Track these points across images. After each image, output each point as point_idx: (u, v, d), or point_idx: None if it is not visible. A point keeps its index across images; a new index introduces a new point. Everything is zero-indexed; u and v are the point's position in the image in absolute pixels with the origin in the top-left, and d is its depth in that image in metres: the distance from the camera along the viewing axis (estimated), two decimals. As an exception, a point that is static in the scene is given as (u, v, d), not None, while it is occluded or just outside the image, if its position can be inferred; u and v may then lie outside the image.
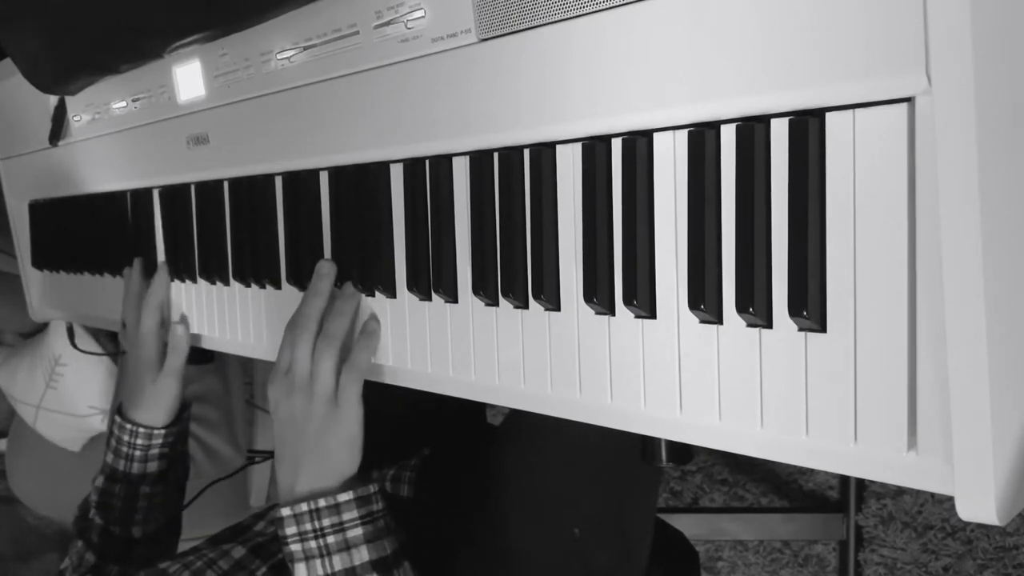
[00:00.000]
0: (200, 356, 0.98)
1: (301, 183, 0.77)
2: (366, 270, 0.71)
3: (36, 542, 1.94)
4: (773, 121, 0.47)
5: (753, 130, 0.47)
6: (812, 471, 1.43)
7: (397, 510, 0.70)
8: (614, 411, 0.56)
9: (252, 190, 0.82)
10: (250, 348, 0.86)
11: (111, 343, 1.38)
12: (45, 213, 1.21)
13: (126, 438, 0.89)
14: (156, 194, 0.97)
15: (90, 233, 1.09)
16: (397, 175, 0.69)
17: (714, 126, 0.50)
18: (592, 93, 0.54)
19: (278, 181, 0.80)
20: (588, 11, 0.53)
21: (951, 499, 0.41)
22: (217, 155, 0.85)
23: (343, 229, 0.74)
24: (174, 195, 0.93)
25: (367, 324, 0.71)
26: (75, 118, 1.05)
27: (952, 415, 0.40)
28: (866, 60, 0.42)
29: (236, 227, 0.86)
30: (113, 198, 1.03)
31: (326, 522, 0.65)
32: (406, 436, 0.95)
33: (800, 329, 0.47)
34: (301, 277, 0.78)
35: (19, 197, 1.26)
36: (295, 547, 0.65)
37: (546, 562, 0.72)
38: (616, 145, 0.54)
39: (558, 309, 0.58)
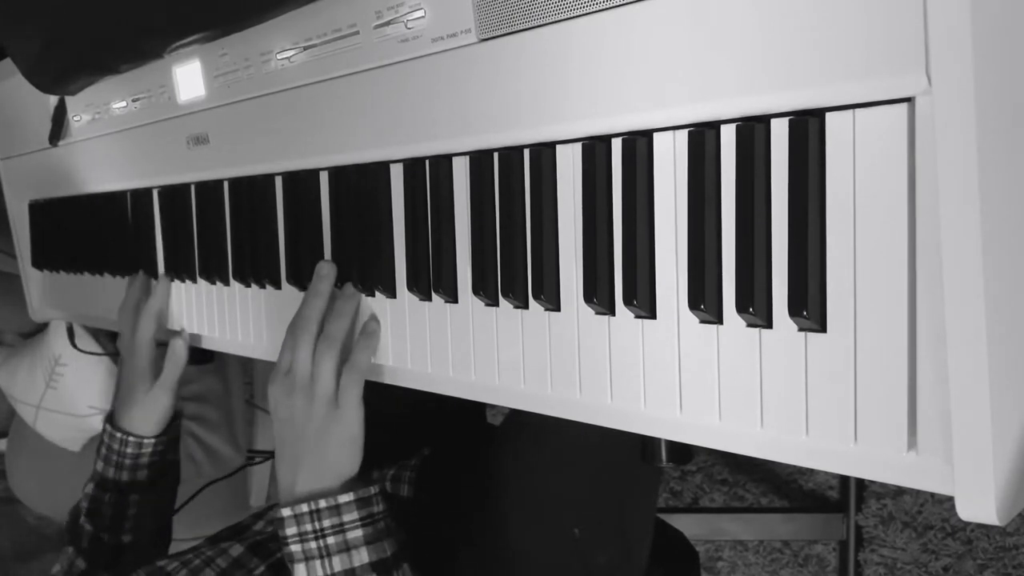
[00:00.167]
0: (200, 356, 0.98)
1: (301, 183, 0.77)
2: (366, 270, 0.71)
3: (36, 542, 1.94)
4: (773, 121, 0.47)
5: (753, 130, 0.47)
6: (812, 471, 1.43)
7: (397, 510, 0.71)
8: (614, 411, 0.56)
9: (252, 190, 0.82)
10: (250, 348, 0.86)
11: (111, 343, 1.38)
12: (45, 213, 1.21)
13: (116, 446, 0.89)
14: (156, 194, 0.97)
15: (90, 233, 1.09)
16: (397, 175, 0.69)
17: (714, 126, 0.50)
18: (592, 93, 0.54)
19: (278, 181, 0.80)
20: (588, 11, 0.53)
21: (951, 499, 0.41)
22: (217, 155, 0.85)
23: (343, 229, 0.74)
24: (174, 195, 0.93)
25: (367, 324, 0.71)
26: (75, 118, 1.05)
27: (952, 415, 0.40)
28: (866, 60, 0.42)
29: (236, 227, 0.86)
30: (113, 198, 1.03)
31: (326, 523, 0.65)
32: (406, 436, 0.95)
33: (800, 329, 0.47)
34: (301, 277, 0.78)
35: (19, 197, 1.26)
36: (295, 548, 0.65)
37: (546, 562, 0.72)
38: (616, 145, 0.54)
39: (558, 309, 0.58)
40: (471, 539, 0.76)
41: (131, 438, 0.88)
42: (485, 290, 0.62)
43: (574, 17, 0.54)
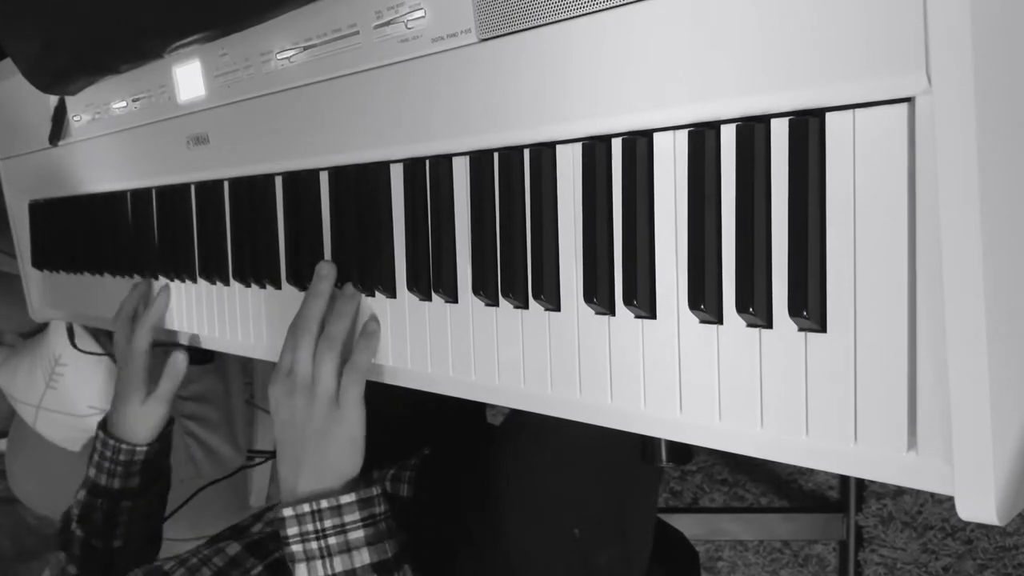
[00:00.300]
0: (200, 356, 0.98)
1: (301, 183, 0.77)
2: (366, 270, 0.71)
3: (36, 542, 1.94)
4: (773, 121, 0.47)
5: (753, 130, 0.47)
6: (812, 471, 1.43)
7: (397, 510, 0.70)
8: (614, 411, 0.56)
9: (252, 190, 0.82)
10: (250, 348, 0.86)
11: (111, 343, 1.38)
12: (45, 213, 1.21)
13: (108, 454, 0.89)
14: (156, 194, 0.97)
15: (90, 233, 1.09)
16: (397, 175, 0.69)
17: (714, 126, 0.50)
18: (592, 93, 0.54)
19: (278, 181, 0.80)
20: (588, 11, 0.53)
21: (951, 499, 0.41)
22: (217, 155, 0.85)
23: (343, 229, 0.74)
24: (174, 195, 0.93)
25: (367, 325, 0.71)
26: (75, 118, 1.05)
27: (952, 415, 0.40)
28: (866, 60, 0.42)
29: (236, 227, 0.86)
30: (113, 198, 1.03)
31: (328, 523, 0.65)
32: (406, 436, 0.95)
33: (800, 329, 0.47)
34: (301, 277, 0.78)
35: (19, 197, 1.26)
36: (296, 547, 0.65)
37: (546, 562, 0.72)
38: (616, 145, 0.54)
39: (558, 309, 0.58)
40: (471, 539, 0.76)
41: (124, 446, 0.89)
42: (485, 290, 0.62)
43: (574, 17, 0.54)
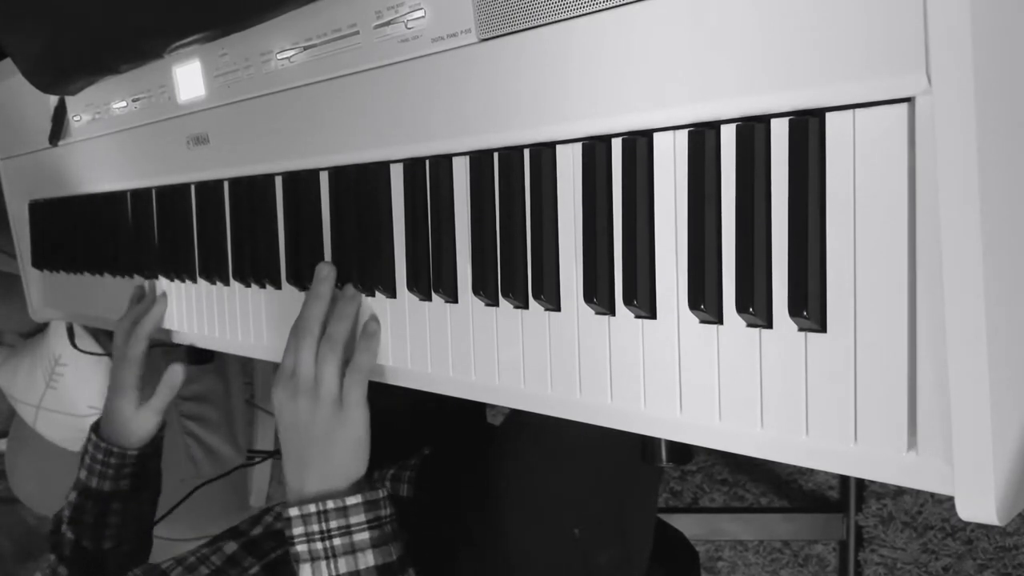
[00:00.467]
0: (200, 356, 0.98)
1: (301, 183, 0.77)
2: (366, 270, 0.71)
3: (36, 542, 1.94)
4: (773, 121, 0.47)
5: (753, 130, 0.47)
6: (812, 471, 1.43)
7: (397, 510, 0.70)
8: (614, 411, 0.56)
9: (252, 190, 0.82)
10: (250, 348, 0.86)
11: (111, 343, 1.38)
12: (45, 213, 1.21)
13: (100, 456, 0.89)
14: (156, 194, 0.97)
15: (90, 233, 1.09)
16: (397, 175, 0.69)
17: (714, 126, 0.50)
18: (592, 93, 0.54)
19: (278, 181, 0.80)
20: (588, 11, 0.53)
21: (951, 499, 0.41)
22: (217, 155, 0.85)
23: (343, 229, 0.74)
24: (174, 195, 0.93)
25: (367, 325, 0.71)
26: (75, 118, 1.05)
27: (952, 415, 0.40)
28: (866, 60, 0.42)
29: (236, 227, 0.86)
30: (113, 198, 1.03)
31: (333, 524, 0.65)
32: (406, 436, 0.95)
33: (800, 329, 0.47)
34: (301, 277, 0.78)
35: (19, 197, 1.26)
36: (301, 548, 0.65)
37: (546, 562, 0.72)
38: (616, 145, 0.54)
39: (558, 309, 0.58)
40: (471, 539, 0.76)
41: (115, 448, 0.89)
42: (485, 290, 0.62)
43: (574, 17, 0.54)
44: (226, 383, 1.58)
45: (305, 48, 0.72)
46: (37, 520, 1.92)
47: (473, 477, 0.79)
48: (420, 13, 0.62)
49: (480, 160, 0.62)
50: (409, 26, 0.63)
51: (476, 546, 0.75)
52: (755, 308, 0.48)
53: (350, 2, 0.67)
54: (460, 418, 1.02)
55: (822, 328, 0.46)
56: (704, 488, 1.53)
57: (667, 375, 0.53)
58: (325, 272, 0.73)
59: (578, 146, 0.56)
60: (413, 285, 0.67)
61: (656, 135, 0.52)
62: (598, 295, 0.55)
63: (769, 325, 0.48)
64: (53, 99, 1.07)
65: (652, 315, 0.53)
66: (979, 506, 0.40)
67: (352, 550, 0.64)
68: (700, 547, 1.52)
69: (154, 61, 0.86)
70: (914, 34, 0.40)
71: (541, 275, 0.58)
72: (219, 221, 0.87)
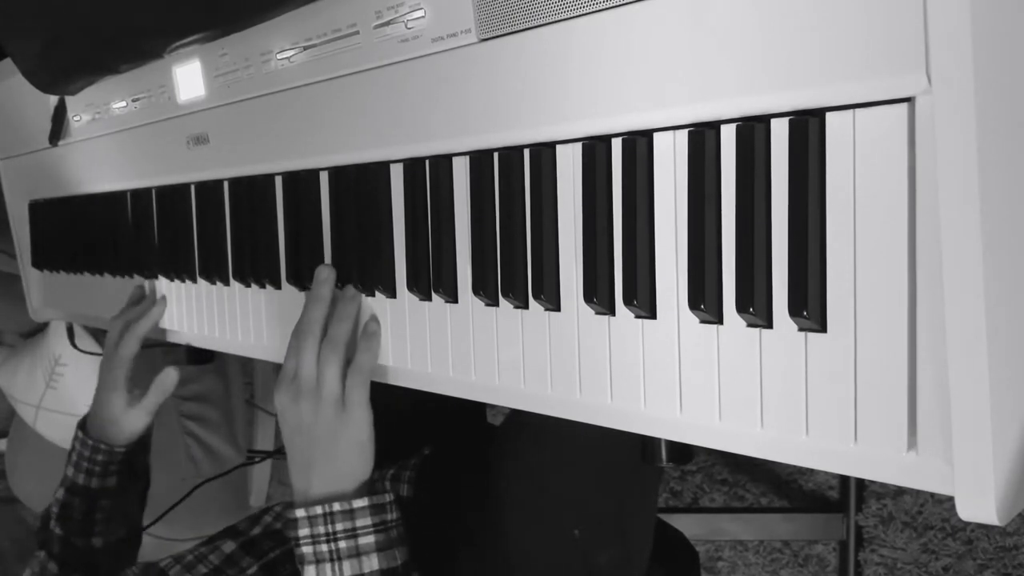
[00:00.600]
0: (200, 356, 0.98)
1: (301, 183, 0.77)
2: (366, 270, 0.71)
3: (36, 542, 1.94)
4: (773, 121, 0.47)
5: (753, 130, 0.47)
6: (812, 471, 1.43)
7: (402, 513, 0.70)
8: (614, 411, 0.56)
9: (252, 190, 0.82)
10: (250, 348, 0.86)
11: (111, 343, 1.38)
12: (45, 213, 1.21)
13: (87, 453, 0.89)
14: (156, 194, 0.97)
15: (90, 233, 1.09)
16: (397, 175, 0.69)
17: (714, 126, 0.50)
18: (592, 93, 0.54)
19: (278, 181, 0.80)
20: (588, 11, 0.53)
21: (951, 499, 0.41)
22: (217, 155, 0.85)
23: (343, 229, 0.74)
24: (174, 195, 0.93)
25: (367, 325, 0.71)
26: (75, 118, 1.05)
27: (952, 415, 0.40)
28: (866, 60, 0.42)
29: (236, 227, 0.86)
30: (113, 198, 1.03)
31: (339, 527, 0.65)
32: (406, 436, 0.95)
33: (800, 329, 0.47)
34: (301, 277, 0.78)
35: (19, 197, 1.26)
36: (307, 549, 0.65)
37: (546, 562, 0.72)
38: (616, 145, 0.54)
39: (558, 309, 0.58)
40: (471, 539, 0.76)
41: (103, 446, 0.89)
42: (485, 290, 0.62)
43: (574, 17, 0.54)
44: (226, 383, 1.58)
45: (305, 48, 0.72)
46: (37, 520, 1.92)
47: (473, 477, 0.79)
48: (420, 13, 0.62)
49: (480, 160, 0.62)
50: (409, 26, 0.63)
51: (476, 546, 0.75)
52: (755, 308, 0.48)
53: (350, 2, 0.67)
54: (460, 418, 1.02)
55: (822, 328, 0.46)
56: (704, 488, 1.53)
57: (667, 375, 0.53)
58: (325, 274, 0.73)
59: (578, 146, 0.56)
60: (413, 285, 0.67)
61: (656, 135, 0.52)
62: (598, 295, 0.55)
63: (769, 325, 0.48)
64: (53, 99, 1.07)
65: (652, 315, 0.53)
66: (979, 506, 0.40)
67: (357, 553, 0.64)
68: (700, 547, 1.52)
69: (154, 61, 0.86)
70: (914, 34, 0.40)
71: (541, 275, 0.58)
72: (219, 221, 0.87)
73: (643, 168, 0.53)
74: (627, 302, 0.54)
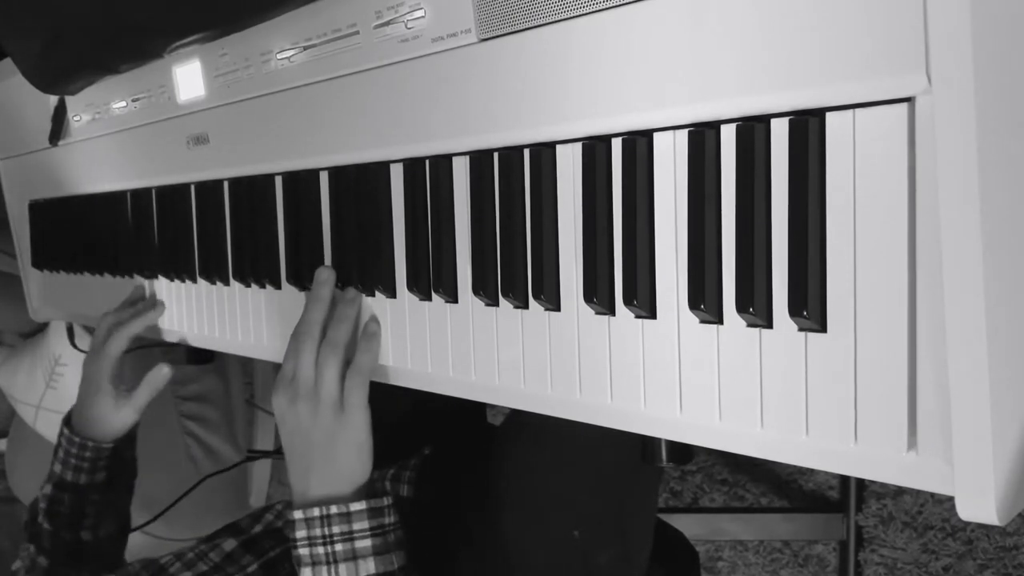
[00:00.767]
0: (200, 356, 0.98)
1: (301, 183, 0.77)
2: (366, 270, 0.71)
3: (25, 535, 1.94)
4: (773, 121, 0.47)
5: (753, 130, 0.47)
6: (812, 471, 1.43)
7: (401, 516, 0.70)
8: (614, 411, 0.56)
9: (252, 190, 0.82)
10: (250, 348, 0.86)
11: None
12: (45, 213, 1.21)
13: (75, 451, 0.89)
14: (156, 194, 0.97)
15: (90, 233, 1.09)
16: (397, 175, 0.69)
17: (714, 126, 0.50)
18: (592, 93, 0.54)
19: (278, 181, 0.80)
20: (588, 11, 0.53)
21: (951, 499, 0.41)
22: (217, 155, 0.85)
23: (343, 229, 0.74)
24: (174, 195, 0.93)
25: (367, 326, 0.71)
26: (75, 118, 1.05)
27: (952, 415, 0.40)
28: (866, 60, 0.42)
29: (236, 227, 0.86)
30: (113, 198, 1.03)
31: (336, 529, 0.65)
32: (406, 436, 0.95)
33: (800, 329, 0.47)
34: (301, 277, 0.78)
35: (19, 197, 1.26)
36: (303, 551, 0.65)
37: (546, 562, 0.72)
38: (616, 145, 0.54)
39: (558, 309, 0.58)
40: (471, 539, 0.76)
41: (90, 443, 0.89)
42: (485, 290, 0.62)
43: (574, 17, 0.54)
44: (226, 383, 1.58)
45: (305, 48, 0.72)
46: (25, 512, 1.92)
47: (473, 477, 0.79)
48: (420, 13, 0.62)
49: (480, 160, 0.62)
50: (409, 26, 0.63)
51: (476, 546, 0.75)
52: (755, 308, 0.48)
53: (350, 2, 0.67)
54: (460, 418, 1.02)
55: (822, 328, 0.46)
56: (704, 488, 1.53)
57: (667, 375, 0.53)
58: (325, 276, 0.73)
59: (578, 146, 0.56)
60: (413, 285, 0.67)
61: (656, 135, 0.52)
62: (598, 295, 0.55)
63: (769, 325, 0.48)
64: (53, 99, 1.07)
65: (652, 315, 0.53)
66: (979, 506, 0.40)
67: (353, 556, 0.64)
68: (700, 547, 1.52)
69: (154, 61, 0.86)
70: (914, 34, 0.40)
71: (541, 275, 0.58)
72: (219, 221, 0.87)
73: (643, 168, 0.53)
74: (627, 302, 0.54)
